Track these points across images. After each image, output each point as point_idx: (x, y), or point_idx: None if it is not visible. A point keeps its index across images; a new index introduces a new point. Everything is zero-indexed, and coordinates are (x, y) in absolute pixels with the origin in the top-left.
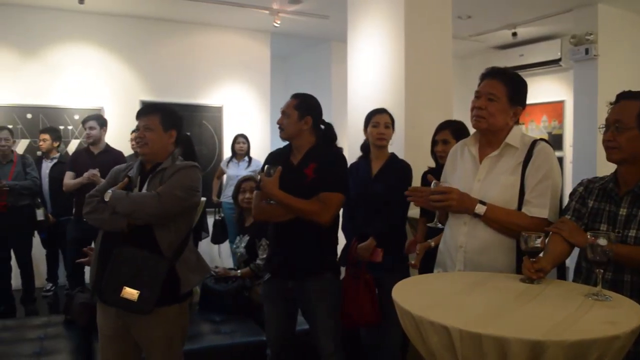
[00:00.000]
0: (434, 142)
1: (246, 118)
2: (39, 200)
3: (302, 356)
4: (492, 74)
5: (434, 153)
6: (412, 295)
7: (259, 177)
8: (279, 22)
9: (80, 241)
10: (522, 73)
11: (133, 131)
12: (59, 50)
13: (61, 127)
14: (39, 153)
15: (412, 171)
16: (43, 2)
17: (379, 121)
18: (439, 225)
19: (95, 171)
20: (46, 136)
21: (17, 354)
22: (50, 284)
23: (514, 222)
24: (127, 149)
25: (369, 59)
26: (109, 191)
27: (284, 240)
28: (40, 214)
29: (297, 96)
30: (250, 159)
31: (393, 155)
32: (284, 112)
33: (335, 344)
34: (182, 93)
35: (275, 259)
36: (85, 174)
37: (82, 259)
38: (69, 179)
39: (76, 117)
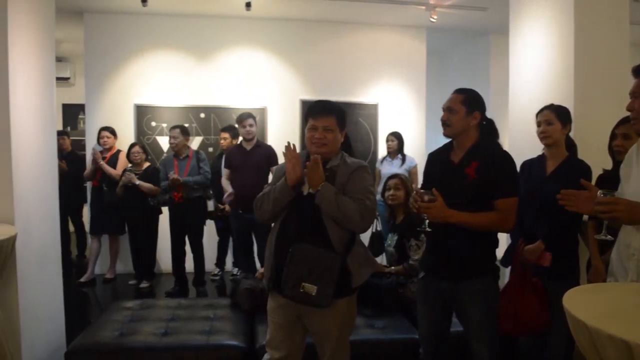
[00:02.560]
0: (613, 136)
1: (401, 115)
2: (211, 192)
3: (456, 358)
4: None
5: (610, 148)
6: (585, 304)
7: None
8: (435, 17)
9: (242, 232)
10: None
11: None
12: (228, 54)
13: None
14: (210, 149)
15: (591, 172)
16: (214, 10)
17: (540, 119)
18: (609, 237)
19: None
20: (226, 134)
21: (190, 330)
22: (218, 269)
23: None
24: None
25: (534, 51)
26: (324, 183)
27: (441, 239)
28: (210, 205)
29: (462, 91)
30: (404, 156)
31: (571, 155)
32: (449, 108)
33: (490, 350)
34: (339, 91)
35: (431, 258)
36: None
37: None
38: (225, 176)
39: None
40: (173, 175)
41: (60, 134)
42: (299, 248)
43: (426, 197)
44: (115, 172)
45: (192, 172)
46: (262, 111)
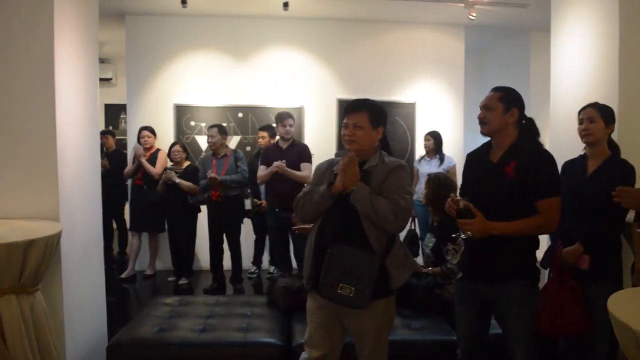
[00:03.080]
0: None
1: (439, 115)
2: (248, 192)
3: None
4: None
5: None
6: (631, 309)
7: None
8: (474, 14)
9: (278, 230)
10: None
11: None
12: (266, 54)
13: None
14: (248, 148)
15: (635, 173)
16: (252, 11)
17: (582, 117)
18: None
19: (282, 162)
20: (265, 134)
21: (228, 327)
22: (255, 267)
23: None
24: (324, 144)
25: (577, 49)
26: (359, 183)
27: (481, 241)
28: (248, 204)
29: (499, 89)
30: (442, 156)
31: (614, 155)
32: (486, 106)
33: (529, 353)
34: (377, 90)
35: (469, 260)
36: (275, 163)
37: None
38: (261, 172)
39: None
40: (211, 174)
41: (104, 133)
42: (337, 249)
43: (462, 204)
44: (156, 170)
45: (230, 171)
46: (300, 111)
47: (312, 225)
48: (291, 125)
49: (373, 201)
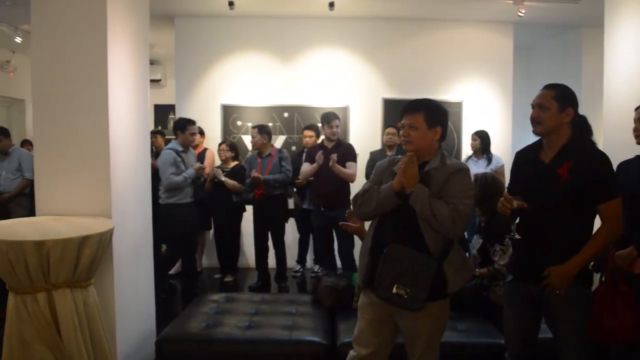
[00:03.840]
0: None
1: (486, 113)
2: (294, 190)
3: None
4: None
5: None
6: None
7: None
8: (523, 11)
9: (322, 229)
10: None
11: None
12: (311, 54)
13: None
14: (293, 148)
15: None
16: (298, 11)
17: (637, 117)
18: None
19: (334, 155)
20: (311, 133)
21: (272, 324)
22: (300, 266)
23: None
24: (368, 144)
25: (631, 45)
26: (419, 185)
27: (531, 243)
28: (291, 203)
29: (554, 86)
30: (490, 156)
31: None
32: (539, 105)
33: (580, 359)
34: (422, 89)
35: (519, 261)
36: (332, 156)
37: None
38: (305, 168)
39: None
40: (254, 173)
41: (153, 133)
42: (394, 249)
43: (515, 203)
44: (198, 169)
45: (274, 170)
46: (345, 110)
47: (358, 223)
48: (337, 126)
49: (432, 204)
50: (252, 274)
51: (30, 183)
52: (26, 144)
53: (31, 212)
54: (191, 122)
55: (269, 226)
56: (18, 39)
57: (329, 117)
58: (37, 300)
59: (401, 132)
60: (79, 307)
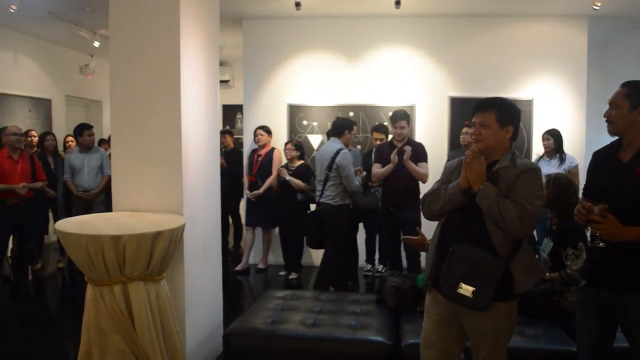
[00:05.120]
0: None
1: (559, 112)
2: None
3: None
4: None
5: None
6: None
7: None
8: (599, 4)
9: (390, 229)
10: None
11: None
12: (377, 53)
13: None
14: (358, 147)
15: None
16: (364, 10)
17: None
18: None
19: (408, 148)
20: (381, 135)
21: (337, 323)
22: (369, 265)
23: None
24: (435, 143)
25: None
26: (486, 183)
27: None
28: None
29: (628, 84)
30: (563, 155)
31: None
32: (611, 103)
33: None
34: (490, 87)
35: (594, 266)
36: (406, 148)
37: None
38: (376, 169)
39: (390, 114)
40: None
41: (222, 132)
42: (460, 247)
43: (596, 209)
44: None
45: None
46: (410, 109)
47: (418, 237)
48: (402, 127)
49: (500, 203)
50: (316, 272)
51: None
52: (103, 143)
53: (108, 208)
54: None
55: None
56: (96, 44)
57: (395, 117)
58: (113, 292)
59: (471, 130)
60: (152, 300)
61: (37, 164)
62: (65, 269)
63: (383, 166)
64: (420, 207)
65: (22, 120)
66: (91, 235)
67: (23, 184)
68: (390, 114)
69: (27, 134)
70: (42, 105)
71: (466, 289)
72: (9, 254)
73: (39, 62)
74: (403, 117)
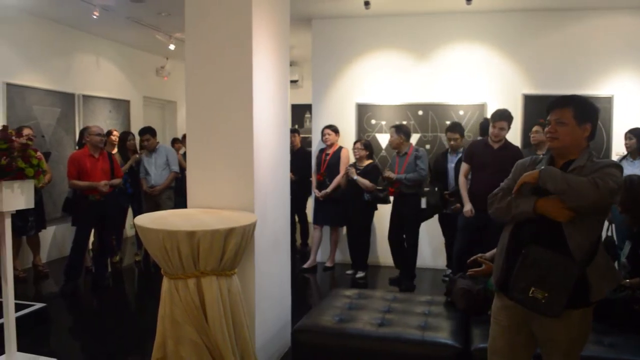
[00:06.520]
0: None
1: None
2: (426, 190)
3: None
4: None
5: None
6: None
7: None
8: None
9: (467, 230)
10: None
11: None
12: (447, 50)
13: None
14: (427, 146)
15: None
16: (434, 7)
17: None
18: None
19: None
20: (456, 135)
21: (405, 323)
22: (449, 270)
23: None
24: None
25: None
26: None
27: None
28: (423, 203)
29: None
30: None
31: None
32: None
33: None
34: (566, 84)
35: None
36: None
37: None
38: (463, 172)
39: (460, 112)
40: (387, 172)
41: (291, 131)
42: (534, 250)
43: None
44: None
45: (409, 168)
46: (482, 107)
47: (484, 267)
48: (502, 128)
49: (565, 176)
50: (382, 272)
51: (176, 176)
52: (176, 142)
53: (176, 205)
54: None
55: (402, 225)
56: (171, 47)
57: (495, 117)
58: (187, 286)
59: (547, 128)
60: (224, 295)
61: (115, 161)
62: (141, 262)
63: (474, 167)
64: (488, 206)
65: (103, 120)
66: (168, 231)
67: (105, 181)
68: (461, 112)
69: (109, 133)
70: (122, 106)
71: (539, 294)
72: (90, 246)
73: (118, 65)
74: (504, 117)
